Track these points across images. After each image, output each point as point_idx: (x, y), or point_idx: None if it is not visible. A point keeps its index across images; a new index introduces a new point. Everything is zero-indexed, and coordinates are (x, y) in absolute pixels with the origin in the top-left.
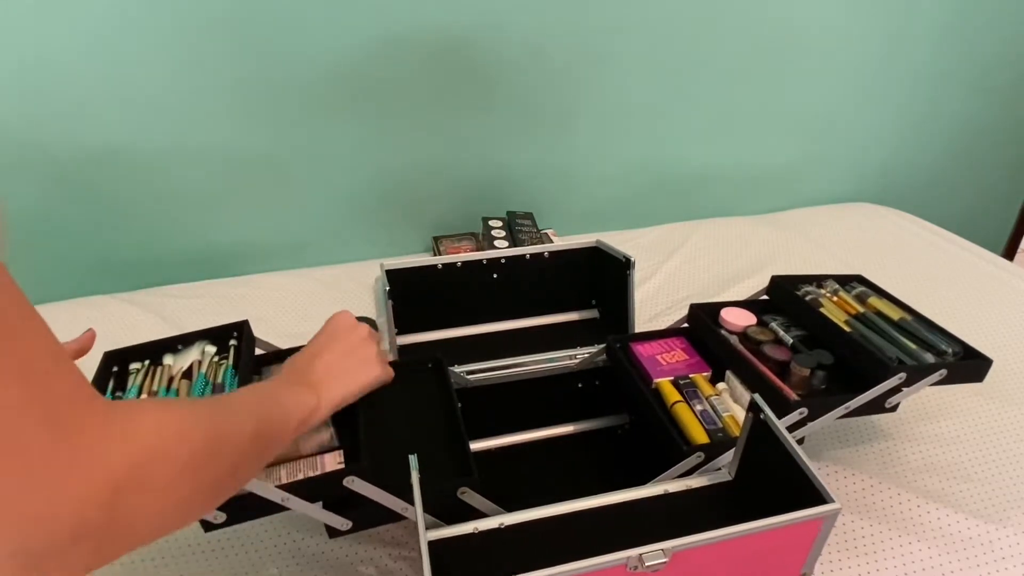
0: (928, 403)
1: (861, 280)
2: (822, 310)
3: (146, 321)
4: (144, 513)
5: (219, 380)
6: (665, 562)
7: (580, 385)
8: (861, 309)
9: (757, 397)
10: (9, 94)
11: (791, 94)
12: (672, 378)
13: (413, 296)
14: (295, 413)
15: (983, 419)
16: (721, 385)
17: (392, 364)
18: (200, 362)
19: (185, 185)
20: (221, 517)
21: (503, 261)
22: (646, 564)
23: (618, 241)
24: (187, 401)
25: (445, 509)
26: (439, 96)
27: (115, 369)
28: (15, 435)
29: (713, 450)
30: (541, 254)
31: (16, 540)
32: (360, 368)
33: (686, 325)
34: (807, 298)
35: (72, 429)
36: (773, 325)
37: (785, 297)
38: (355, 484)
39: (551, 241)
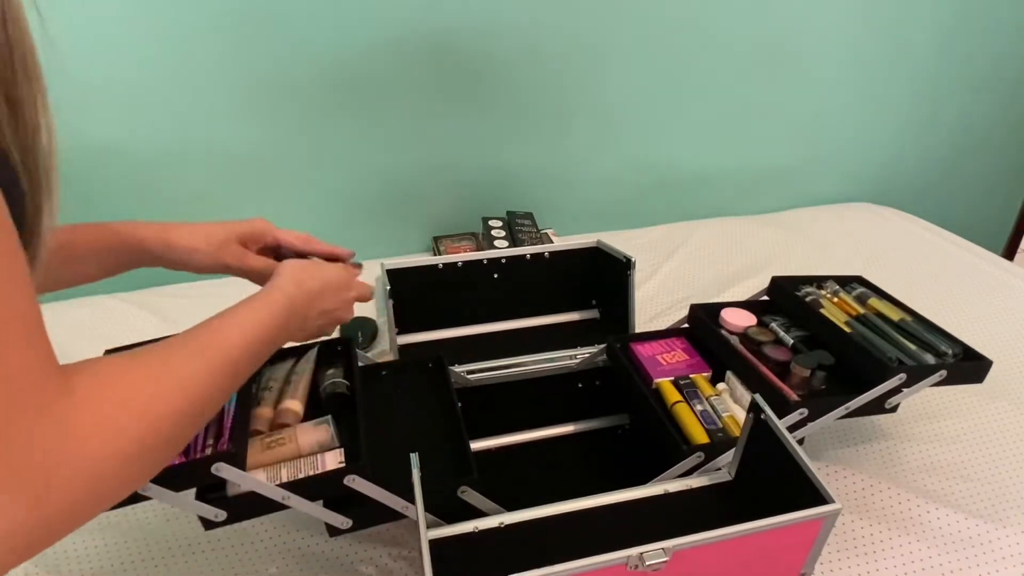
0: (928, 403)
1: (861, 281)
2: (822, 311)
3: (146, 321)
4: (108, 490)
5: None
6: (665, 561)
7: (580, 385)
8: (861, 310)
9: (758, 397)
10: None
11: (791, 94)
12: (672, 378)
13: (414, 296)
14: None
15: (983, 419)
16: (721, 385)
17: (391, 363)
18: None
19: (185, 185)
20: (222, 515)
21: (503, 261)
22: (646, 563)
23: (618, 241)
24: (154, 363)
25: (445, 508)
26: (439, 96)
27: None
28: None
29: (713, 450)
30: (541, 254)
31: None
32: (327, 328)
33: (686, 325)
34: (807, 299)
35: (37, 413)
36: (773, 326)
37: (785, 298)
38: (356, 483)
39: (551, 241)
